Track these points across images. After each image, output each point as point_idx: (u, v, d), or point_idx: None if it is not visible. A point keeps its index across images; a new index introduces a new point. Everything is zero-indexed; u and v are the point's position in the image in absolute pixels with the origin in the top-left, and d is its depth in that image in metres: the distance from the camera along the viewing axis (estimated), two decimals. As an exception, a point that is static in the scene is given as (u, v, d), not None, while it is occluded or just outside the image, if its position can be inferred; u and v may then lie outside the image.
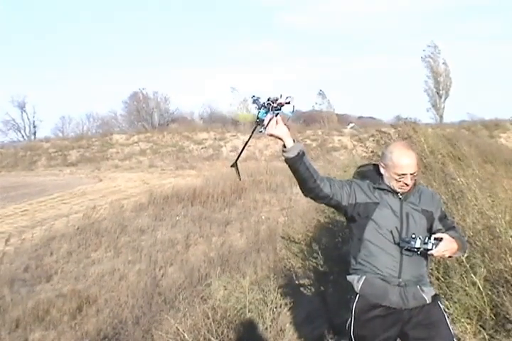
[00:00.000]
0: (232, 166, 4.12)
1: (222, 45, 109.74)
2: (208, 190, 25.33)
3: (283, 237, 9.74)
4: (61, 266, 16.69)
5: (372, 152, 11.37)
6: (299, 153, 3.76)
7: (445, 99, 59.28)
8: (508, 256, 5.67)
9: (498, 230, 6.03)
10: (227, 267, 14.00)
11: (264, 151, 39.08)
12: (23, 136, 64.01)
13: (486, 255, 5.78)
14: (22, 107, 64.95)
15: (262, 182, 26.56)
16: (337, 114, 61.98)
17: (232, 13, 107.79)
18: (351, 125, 50.65)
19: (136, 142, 47.88)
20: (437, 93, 59.25)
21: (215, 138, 47.29)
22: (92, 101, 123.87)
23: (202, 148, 46.36)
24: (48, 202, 27.70)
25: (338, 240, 7.78)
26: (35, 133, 64.82)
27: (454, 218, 5.89)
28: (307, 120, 53.83)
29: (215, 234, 19.91)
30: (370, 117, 64.33)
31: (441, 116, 58.68)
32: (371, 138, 12.29)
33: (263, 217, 21.59)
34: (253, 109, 3.95)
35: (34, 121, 65.08)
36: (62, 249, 18.34)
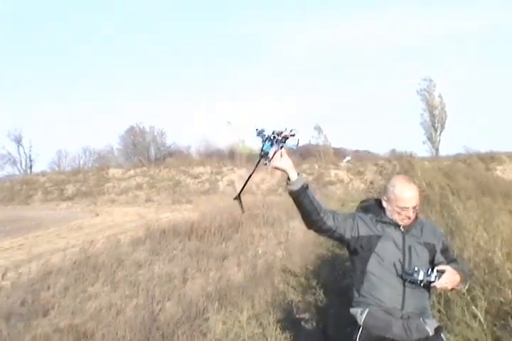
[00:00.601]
0: (235, 199, 4.18)
1: (217, 75, 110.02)
2: (205, 224, 25.26)
3: (283, 270, 9.76)
4: (58, 301, 16.56)
5: (371, 183, 11.44)
6: (303, 185, 3.83)
7: (441, 132, 59.83)
8: (506, 288, 5.69)
9: (495, 263, 6.07)
10: (225, 301, 13.94)
11: (261, 185, 39.10)
12: (19, 170, 64.13)
13: (485, 288, 5.81)
14: (18, 141, 65.20)
15: (259, 216, 26.51)
16: (333, 148, 62.25)
17: (226, 44, 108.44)
18: (347, 158, 50.79)
19: (133, 176, 47.96)
20: (433, 126, 59.82)
21: (212, 172, 47.41)
22: (89, 136, 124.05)
23: (198, 182, 46.42)
24: (45, 236, 27.62)
25: (338, 273, 7.81)
26: (31, 167, 64.94)
27: (458, 247, 5.94)
28: (303, 154, 53.94)
29: (213, 268, 19.82)
30: (366, 151, 64.62)
31: (437, 149, 59.11)
32: (370, 171, 12.40)
33: (260, 251, 21.54)
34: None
35: (30, 155, 65.27)
36: (59, 283, 18.23)
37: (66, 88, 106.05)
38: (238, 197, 4.22)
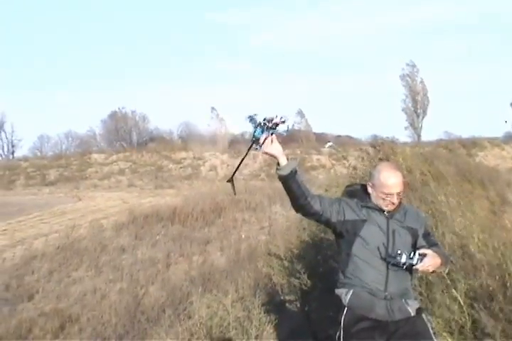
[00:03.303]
0: (228, 181, 4.31)
1: (198, 64, 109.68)
2: (188, 209, 25.34)
3: (269, 254, 9.86)
4: (42, 285, 16.66)
5: (354, 168, 11.56)
6: (292, 171, 3.96)
7: (423, 117, 59.97)
8: (482, 273, 5.84)
9: (471, 249, 6.22)
10: (209, 285, 14.07)
11: (244, 170, 39.15)
12: (1, 155, 63.79)
13: (463, 272, 5.95)
14: (0, 126, 64.71)
15: (241, 201, 26.62)
16: (315, 133, 62.32)
17: (205, 32, 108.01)
18: (329, 144, 50.84)
19: (115, 161, 47.85)
20: (415, 112, 59.87)
21: (194, 158, 47.33)
22: (71, 120, 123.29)
23: (181, 168, 46.38)
24: (28, 221, 27.63)
25: (322, 257, 7.91)
26: (13, 153, 64.61)
27: (437, 233, 6.08)
28: (285, 139, 53.76)
29: (196, 252, 19.95)
30: (348, 136, 64.64)
31: (419, 135, 59.27)
32: (352, 156, 12.51)
33: (243, 236, 21.67)
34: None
35: (12, 141, 64.83)
36: (43, 268, 18.32)
37: (47, 73, 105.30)
38: (231, 180, 4.33)
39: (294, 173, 3.98)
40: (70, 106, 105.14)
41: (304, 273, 7.86)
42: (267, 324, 7.71)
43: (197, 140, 57.00)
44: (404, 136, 58.48)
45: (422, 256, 3.99)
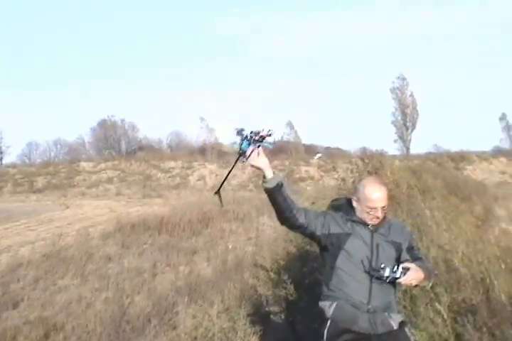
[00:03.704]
0: (215, 193, 4.35)
1: (188, 74, 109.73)
2: (175, 219, 25.32)
3: (255, 265, 9.88)
4: (28, 293, 16.57)
5: (342, 180, 11.62)
6: (278, 184, 4.01)
7: (412, 130, 60.34)
8: (466, 287, 5.89)
9: (455, 263, 6.27)
10: (195, 296, 14.04)
11: (232, 181, 39.22)
12: (-11, 162, 63.58)
13: (447, 286, 6.00)
14: (-12, 133, 64.58)
15: (229, 211, 26.63)
16: (304, 145, 62.55)
17: (195, 43, 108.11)
18: (318, 155, 50.98)
19: (104, 170, 47.87)
20: (404, 125, 60.19)
21: (183, 167, 47.39)
22: (60, 128, 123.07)
23: (169, 177, 46.44)
24: (14, 228, 27.53)
25: (307, 269, 7.96)
26: (1, 159, 64.62)
27: (422, 247, 6.13)
28: (274, 150, 53.99)
29: (182, 262, 19.91)
30: (337, 148, 64.87)
31: (407, 148, 59.61)
32: (341, 168, 12.58)
33: (230, 247, 21.67)
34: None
35: (1, 147, 64.79)
36: (28, 275, 18.24)
37: (37, 79, 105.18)
38: (218, 193, 4.39)
39: (280, 186, 4.03)
40: (59, 113, 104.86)
41: (289, 284, 7.90)
42: (252, 335, 7.73)
43: (186, 149, 57.09)
44: (393, 148, 58.92)
45: (405, 269, 4.05)
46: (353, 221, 4.24)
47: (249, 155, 3.99)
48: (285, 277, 8.13)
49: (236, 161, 4.11)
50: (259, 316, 8.63)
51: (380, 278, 4.08)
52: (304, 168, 45.94)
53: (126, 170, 47.58)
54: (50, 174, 47.58)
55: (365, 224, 4.21)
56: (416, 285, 4.32)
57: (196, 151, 56.20)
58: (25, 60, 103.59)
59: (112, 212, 32.06)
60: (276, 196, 4.05)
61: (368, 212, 4.18)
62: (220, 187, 4.34)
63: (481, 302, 5.68)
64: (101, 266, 19.63)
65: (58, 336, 13.47)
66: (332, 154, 52.69)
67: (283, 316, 8.34)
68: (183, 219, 25.31)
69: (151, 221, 25.57)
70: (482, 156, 46.42)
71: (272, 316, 8.41)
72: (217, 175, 42.74)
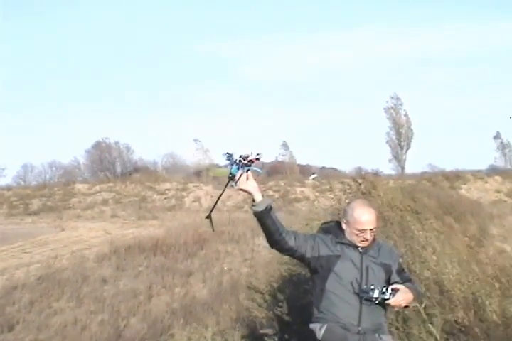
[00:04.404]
0: (207, 218, 4.40)
1: (183, 95, 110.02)
2: (171, 241, 25.35)
3: (249, 287, 9.89)
4: (23, 316, 16.55)
5: (338, 201, 11.64)
6: (266, 207, 4.07)
7: (407, 150, 60.32)
8: (458, 308, 5.93)
9: (446, 285, 6.31)
10: (190, 318, 14.07)
11: (227, 202, 39.24)
12: (-17, 185, 63.33)
13: (439, 307, 6.03)
14: (-17, 155, 64.56)
15: (225, 232, 26.66)
16: (299, 165, 62.57)
17: (191, 64, 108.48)
18: (313, 176, 51.05)
19: (99, 192, 47.80)
20: (399, 144, 60.21)
21: (178, 189, 47.36)
22: (55, 150, 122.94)
23: (164, 198, 46.38)
24: (9, 251, 27.45)
25: (300, 291, 7.98)
26: (-4, 181, 64.16)
27: (413, 271, 6.18)
28: (270, 171, 54.10)
29: (178, 284, 19.92)
30: (332, 168, 64.82)
31: (402, 167, 59.60)
32: (336, 188, 12.63)
33: (225, 268, 21.68)
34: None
35: (-4, 169, 64.47)
36: (23, 298, 18.21)
37: (31, 101, 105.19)
38: (209, 216, 4.43)
39: (268, 209, 4.09)
40: (54, 136, 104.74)
41: (284, 306, 7.92)
42: (246, 357, 7.74)
43: (181, 171, 57.13)
44: (388, 168, 58.88)
45: (395, 291, 4.11)
46: (343, 243, 4.29)
47: (238, 179, 4.06)
48: (280, 298, 8.15)
49: (226, 186, 4.18)
50: (253, 338, 8.65)
51: (369, 300, 4.14)
52: (299, 189, 45.96)
53: (122, 192, 47.53)
54: (45, 196, 47.50)
55: (355, 247, 4.27)
56: (406, 307, 4.38)
57: (191, 173, 56.21)
58: (17, 82, 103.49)
59: (107, 234, 32.00)
60: (265, 219, 4.11)
61: (357, 235, 4.24)
62: (211, 211, 4.39)
63: (474, 323, 5.71)
64: (96, 288, 19.62)
65: (54, 359, 13.48)
66: (327, 174, 52.69)
67: (277, 338, 8.35)
68: (179, 240, 25.34)
69: (146, 243, 25.57)
70: (477, 175, 46.49)
71: (266, 338, 8.41)
72: (212, 197, 42.70)
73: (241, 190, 4.10)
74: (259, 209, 4.09)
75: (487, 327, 5.65)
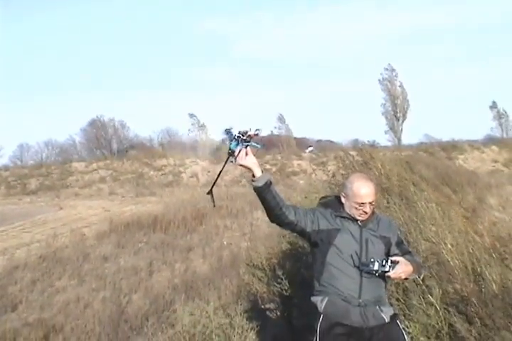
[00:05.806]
0: (208, 193, 4.43)
1: (179, 72, 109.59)
2: (169, 217, 25.38)
3: (248, 262, 9.95)
4: (26, 295, 16.60)
5: (333, 176, 11.67)
6: (266, 182, 4.10)
7: (403, 121, 60.11)
8: (457, 278, 5.98)
9: (444, 255, 6.35)
10: (191, 293, 14.14)
11: (225, 177, 39.16)
12: (-19, 165, 63.21)
13: (438, 278, 6.09)
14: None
15: (223, 207, 26.69)
16: (296, 138, 62.30)
17: (187, 40, 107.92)
18: (310, 149, 51.03)
19: (96, 169, 47.78)
20: (395, 116, 60.04)
21: (175, 165, 47.33)
22: (51, 129, 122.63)
23: (162, 175, 46.40)
24: (9, 231, 27.53)
25: (301, 265, 8.03)
26: (-7, 162, 64.03)
27: (412, 240, 6.22)
28: (266, 145, 53.93)
29: (178, 260, 19.96)
30: (329, 141, 64.72)
31: (399, 139, 59.47)
32: (333, 161, 12.64)
33: (225, 243, 21.73)
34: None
35: (-8, 149, 64.34)
36: (25, 278, 18.27)
37: (26, 81, 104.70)
38: (211, 192, 4.46)
39: (268, 184, 4.13)
40: (49, 114, 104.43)
41: (284, 280, 7.97)
42: (249, 330, 7.78)
43: (177, 147, 57.01)
44: (384, 139, 58.78)
45: (394, 263, 4.15)
46: (342, 217, 4.33)
47: (238, 154, 4.08)
48: (279, 273, 8.20)
49: (226, 162, 4.21)
50: (255, 312, 8.70)
51: (369, 272, 4.18)
52: (296, 162, 45.97)
53: (119, 169, 47.51)
54: (43, 175, 47.50)
55: (354, 220, 4.31)
56: (405, 278, 4.42)
57: (188, 148, 56.09)
58: (13, 62, 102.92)
59: (105, 212, 32.08)
60: (265, 194, 4.15)
61: (356, 208, 4.28)
62: (212, 187, 4.42)
63: (472, 293, 5.77)
64: (97, 266, 19.68)
65: (57, 337, 13.54)
66: (324, 147, 52.60)
67: (279, 312, 8.42)
68: (177, 216, 25.37)
69: (145, 219, 25.62)
70: (474, 145, 46.53)
71: (268, 312, 8.49)
72: (209, 172, 42.69)
73: (241, 165, 4.13)
74: (259, 184, 4.12)
75: (486, 297, 5.70)
